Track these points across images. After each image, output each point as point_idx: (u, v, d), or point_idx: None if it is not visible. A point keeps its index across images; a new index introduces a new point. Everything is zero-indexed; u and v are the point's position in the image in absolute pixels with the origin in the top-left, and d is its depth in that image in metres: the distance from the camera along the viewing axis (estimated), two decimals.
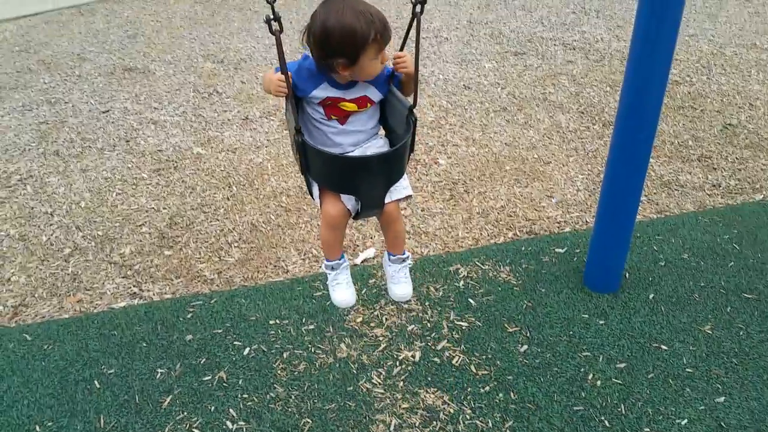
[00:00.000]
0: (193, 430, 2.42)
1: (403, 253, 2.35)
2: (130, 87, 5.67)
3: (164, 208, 3.92)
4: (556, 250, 3.44)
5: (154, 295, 3.22)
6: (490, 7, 8.02)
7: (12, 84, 5.74)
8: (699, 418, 2.43)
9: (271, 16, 1.76)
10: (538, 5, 8.03)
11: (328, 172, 1.98)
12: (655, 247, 3.45)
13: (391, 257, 2.36)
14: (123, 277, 3.35)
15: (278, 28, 1.78)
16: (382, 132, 2.19)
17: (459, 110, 5.27)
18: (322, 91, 1.96)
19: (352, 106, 1.99)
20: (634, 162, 2.80)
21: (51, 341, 2.85)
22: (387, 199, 2.06)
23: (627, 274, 3.21)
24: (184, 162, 4.44)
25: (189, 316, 2.99)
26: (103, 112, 5.19)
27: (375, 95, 2.03)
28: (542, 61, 6.29)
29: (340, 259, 2.28)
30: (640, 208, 3.90)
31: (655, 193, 4.11)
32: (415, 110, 1.97)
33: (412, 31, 1.88)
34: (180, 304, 3.08)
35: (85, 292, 3.26)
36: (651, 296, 3.07)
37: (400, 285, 2.36)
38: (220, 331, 2.90)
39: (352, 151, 2.07)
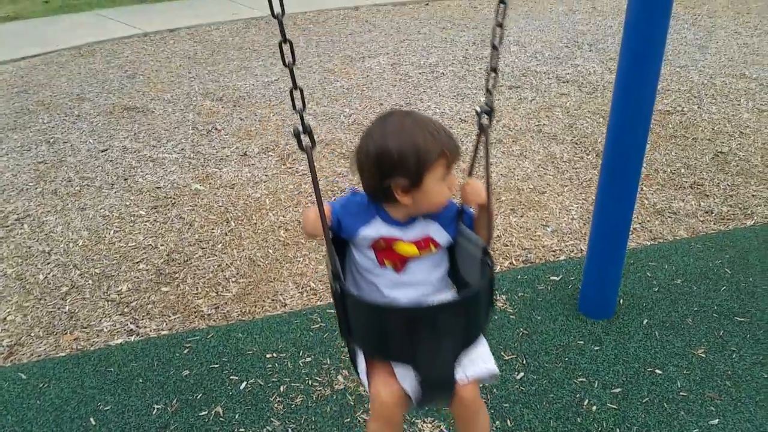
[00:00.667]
0: None
1: None
2: (129, 126, 5.77)
3: (162, 245, 3.96)
4: (552, 278, 3.46)
5: (150, 331, 3.22)
6: (486, 42, 8.19)
7: (11, 125, 5.84)
8: None
9: (300, 129, 1.46)
10: (533, 40, 8.21)
11: (374, 330, 1.52)
12: (648, 273, 3.47)
13: None
14: (120, 314, 3.37)
15: (309, 143, 1.47)
16: (453, 289, 1.77)
17: None
18: (374, 229, 1.61)
19: (411, 249, 1.61)
20: (623, 190, 2.85)
21: (46, 380, 2.85)
22: (461, 376, 1.56)
23: (621, 300, 3.23)
24: (182, 198, 4.50)
25: (185, 351, 3.00)
26: (102, 151, 5.27)
27: (441, 236, 1.65)
28: (536, 94, 6.41)
29: None
30: (634, 235, 3.95)
31: (648, 221, 4.15)
32: (491, 250, 1.60)
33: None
34: (177, 339, 3.09)
35: (81, 330, 3.27)
36: (645, 321, 3.08)
37: None
38: (216, 365, 2.90)
39: None
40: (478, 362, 1.60)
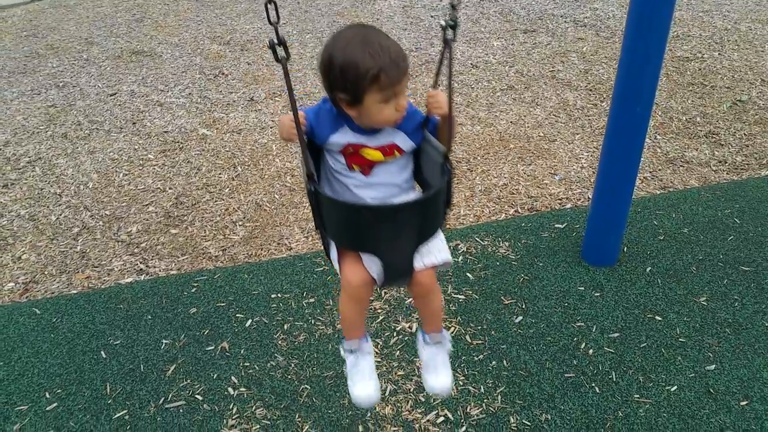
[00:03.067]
0: (196, 396, 2.49)
1: (441, 333, 1.95)
2: (137, 70, 5.74)
3: (170, 188, 3.99)
4: (556, 225, 3.45)
5: (160, 271, 3.29)
6: None
7: (20, 68, 5.84)
8: (689, 385, 2.46)
9: (275, 41, 1.49)
10: None
11: (345, 225, 1.64)
12: (655, 222, 3.45)
13: (426, 338, 1.96)
14: (130, 255, 3.43)
15: (284, 54, 1.49)
16: (418, 189, 1.88)
17: (465, 89, 5.26)
18: (342, 136, 1.68)
19: (376, 155, 1.69)
20: (631, 136, 2.80)
21: (59, 315, 2.95)
22: (418, 264, 1.71)
23: (625, 248, 3.23)
24: (190, 143, 4.51)
25: (193, 290, 3.07)
26: (111, 95, 5.27)
27: (405, 143, 1.72)
28: (552, 39, 6.25)
29: (361, 340, 1.90)
30: (644, 183, 3.91)
31: (660, 170, 4.10)
32: (450, 156, 1.69)
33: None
34: (185, 279, 3.15)
35: (93, 269, 3.35)
36: (648, 269, 3.09)
37: (438, 375, 1.92)
38: (223, 304, 2.97)
39: None
40: (434, 252, 1.75)
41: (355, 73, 1.50)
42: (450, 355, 1.98)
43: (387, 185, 1.75)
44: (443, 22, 1.59)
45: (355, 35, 1.55)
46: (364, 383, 1.88)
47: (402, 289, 2.95)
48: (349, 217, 1.61)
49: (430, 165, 1.77)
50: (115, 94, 5.29)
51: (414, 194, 1.82)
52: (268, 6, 1.52)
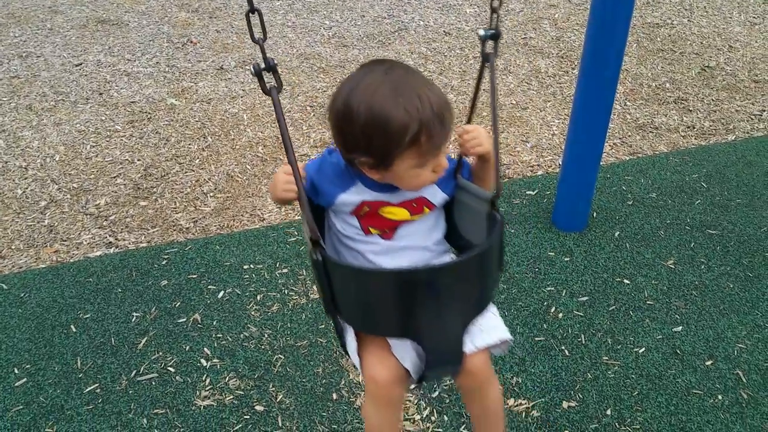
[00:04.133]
0: (169, 368, 2.49)
1: None
2: (103, 39, 5.58)
3: (138, 160, 3.92)
4: (528, 192, 3.48)
5: (129, 244, 3.25)
6: None
7: None
8: (656, 347, 2.52)
9: (261, 66, 1.21)
10: None
11: (367, 301, 1.28)
12: (624, 187, 3.50)
13: None
14: (99, 228, 3.38)
15: (276, 84, 1.23)
16: (452, 253, 1.55)
17: (439, 57, 5.22)
18: (355, 195, 1.36)
19: (401, 213, 1.37)
20: (599, 102, 2.81)
21: (27, 290, 2.90)
22: (469, 347, 1.35)
23: (595, 214, 3.27)
24: (158, 113, 4.41)
25: (164, 262, 3.04)
26: (76, 65, 5.12)
27: (436, 195, 1.41)
28: (524, 6, 6.21)
29: None
30: (613, 149, 3.94)
31: (629, 135, 4.14)
32: (497, 203, 1.38)
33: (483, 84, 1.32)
34: (155, 251, 3.12)
35: (61, 243, 3.29)
36: (617, 234, 3.14)
37: None
38: (194, 276, 2.95)
39: None
40: (487, 329, 1.40)
41: (385, 133, 1.17)
42: None
43: (415, 249, 1.41)
44: (482, 32, 1.32)
45: (383, 81, 1.20)
46: None
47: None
48: (374, 288, 1.24)
49: (469, 219, 1.44)
50: (81, 64, 5.14)
51: (448, 259, 1.49)
52: (250, 17, 1.22)
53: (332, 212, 1.42)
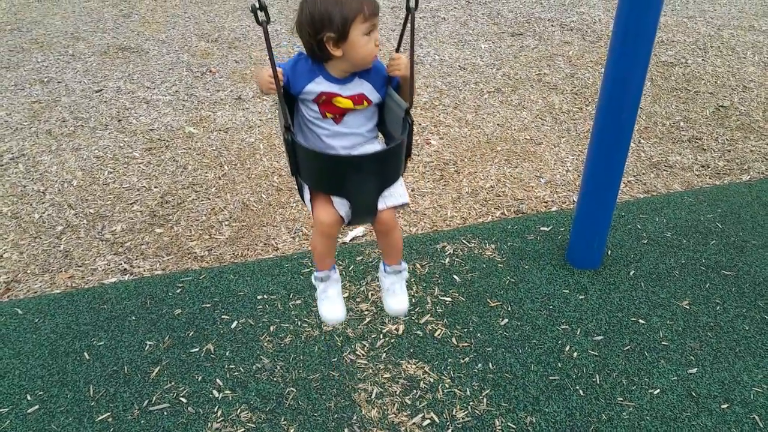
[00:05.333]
0: (181, 398, 2.48)
1: (400, 264, 2.22)
2: (123, 66, 5.69)
3: (155, 187, 3.96)
4: (542, 228, 3.48)
5: (144, 271, 3.27)
6: None
7: (4, 63, 5.76)
8: (671, 388, 2.49)
9: (257, 5, 1.64)
10: None
11: (318, 172, 1.87)
12: (638, 226, 3.49)
13: (387, 269, 2.23)
14: (114, 254, 3.40)
15: (265, 18, 1.67)
16: (382, 139, 2.10)
17: (453, 91, 5.28)
18: (317, 85, 1.87)
19: (347, 103, 1.90)
20: (616, 141, 2.83)
21: (42, 315, 2.91)
22: (381, 206, 1.95)
23: (609, 252, 3.26)
24: (176, 141, 4.48)
25: (178, 291, 3.05)
26: (96, 92, 5.22)
27: (373, 95, 1.94)
28: (539, 42, 6.29)
29: (330, 270, 2.18)
30: (627, 187, 3.95)
31: (643, 173, 4.15)
32: (411, 112, 1.90)
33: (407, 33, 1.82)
34: (169, 279, 3.13)
35: (76, 268, 3.31)
36: (632, 273, 3.12)
37: (396, 298, 2.23)
38: (208, 305, 2.95)
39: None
40: (395, 195, 1.99)
41: (341, 9, 1.73)
42: (406, 282, 2.28)
43: (354, 135, 1.96)
44: None
45: None
46: (330, 305, 2.19)
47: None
48: (323, 165, 1.84)
49: (393, 119, 1.98)
50: (101, 90, 5.24)
51: (377, 143, 2.04)
52: None
53: (300, 101, 1.92)
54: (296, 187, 2.09)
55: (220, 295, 3.02)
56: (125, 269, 3.28)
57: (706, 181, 4.05)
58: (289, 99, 1.91)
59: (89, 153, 4.34)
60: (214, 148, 4.39)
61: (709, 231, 3.46)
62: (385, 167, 1.88)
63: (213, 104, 5.00)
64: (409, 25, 1.80)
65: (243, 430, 2.35)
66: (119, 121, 4.76)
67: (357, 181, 1.83)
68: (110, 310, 2.93)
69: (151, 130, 4.63)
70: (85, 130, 4.63)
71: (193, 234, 3.55)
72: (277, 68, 1.77)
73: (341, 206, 1.93)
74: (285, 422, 2.37)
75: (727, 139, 4.56)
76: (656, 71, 5.66)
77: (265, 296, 3.01)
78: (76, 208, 3.78)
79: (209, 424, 2.37)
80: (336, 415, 2.40)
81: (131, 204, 3.81)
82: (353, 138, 1.97)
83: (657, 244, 3.34)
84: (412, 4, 1.76)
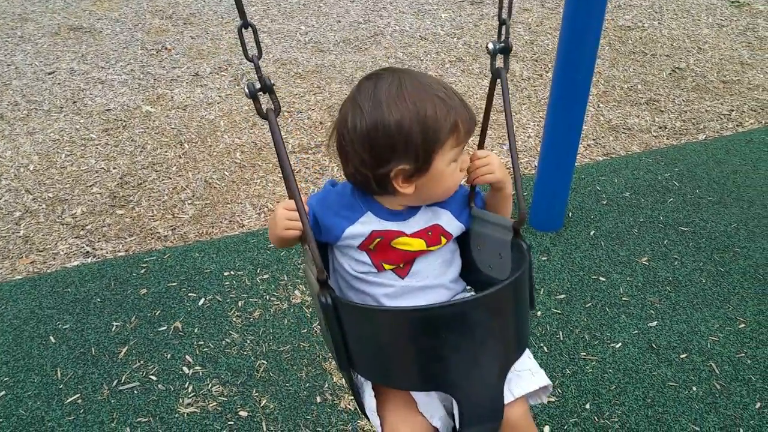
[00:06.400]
0: (150, 376, 2.47)
1: None
2: (75, 47, 5.52)
3: (114, 168, 3.89)
4: None
5: (107, 253, 3.22)
6: None
7: None
8: (632, 342, 2.58)
9: (257, 86, 1.10)
10: None
11: (386, 348, 1.12)
12: (598, 187, 3.57)
13: None
14: (75, 237, 3.34)
15: (273, 106, 1.12)
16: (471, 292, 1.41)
17: (415, 62, 5.26)
18: (365, 226, 1.25)
19: (417, 244, 1.26)
20: (573, 104, 2.87)
21: (4, 301, 2.86)
22: (506, 395, 1.19)
23: (570, 213, 3.32)
24: (133, 121, 4.38)
25: (143, 271, 3.02)
26: (49, 74, 5.06)
27: (452, 223, 1.31)
28: (497, 9, 6.29)
29: None
30: (587, 151, 4.02)
31: (603, 137, 4.22)
32: (522, 232, 1.29)
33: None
34: (133, 260, 3.10)
35: (37, 253, 3.25)
36: (592, 233, 3.20)
37: None
38: (174, 284, 2.93)
39: None
40: (524, 375, 1.25)
41: (425, 127, 1.13)
42: None
43: (433, 288, 1.30)
44: (491, 45, 1.24)
45: (400, 83, 1.15)
46: None
47: None
48: (396, 330, 1.08)
49: (488, 251, 1.33)
50: (54, 72, 5.08)
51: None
52: (243, 32, 1.11)
53: (338, 251, 1.30)
54: (349, 389, 1.36)
55: (185, 273, 2.99)
56: (88, 252, 3.23)
57: (664, 142, 4.14)
58: (318, 245, 1.22)
59: (45, 136, 4.22)
60: (172, 126, 4.32)
61: (666, 189, 3.55)
62: (507, 321, 1.13)
63: (170, 82, 4.90)
64: (497, 92, 1.22)
65: (215, 404, 2.36)
66: (74, 102, 4.63)
67: (462, 353, 1.06)
68: (74, 293, 2.89)
69: (107, 110, 4.52)
70: (39, 113, 4.50)
71: (155, 214, 3.50)
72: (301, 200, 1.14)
73: (434, 410, 1.21)
74: (257, 394, 2.39)
75: (683, 100, 4.66)
76: (614, 35, 5.72)
77: (231, 272, 3.00)
78: (34, 193, 3.69)
79: (180, 400, 2.37)
80: (308, 384, 2.42)
81: (90, 186, 3.73)
82: (432, 294, 1.30)
83: (616, 205, 3.42)
84: (499, 63, 1.21)
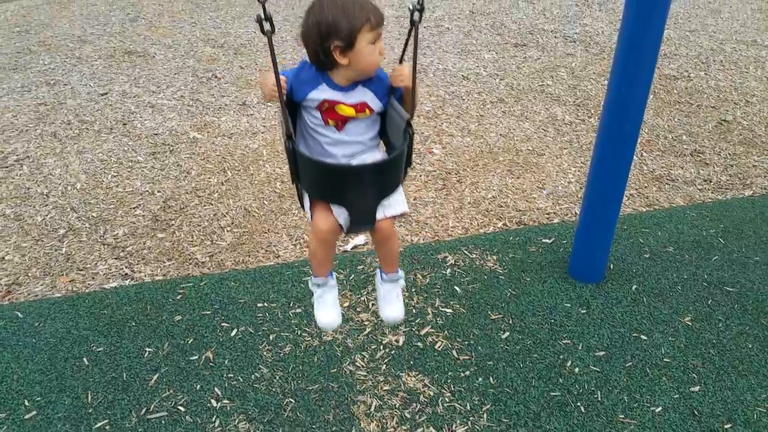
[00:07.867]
0: (179, 407, 2.47)
1: (396, 272, 2.24)
2: (129, 70, 5.70)
3: (158, 192, 3.96)
4: (544, 240, 3.47)
5: (145, 276, 3.26)
6: None
7: (11, 65, 5.78)
8: (673, 406, 2.47)
9: (263, 16, 1.67)
10: None
11: (318, 181, 1.88)
12: (641, 240, 3.49)
13: (384, 276, 2.25)
14: (115, 258, 3.40)
15: (270, 28, 1.70)
16: (383, 147, 2.11)
17: (456, 101, 5.29)
18: (320, 93, 1.89)
19: (350, 111, 1.91)
20: (619, 153, 2.83)
21: (42, 319, 2.91)
22: (380, 215, 1.96)
23: (611, 265, 3.25)
24: (180, 146, 4.48)
25: (178, 297, 3.04)
26: (102, 95, 5.23)
27: (375, 103, 1.95)
28: (542, 53, 6.30)
29: (327, 277, 2.19)
30: (629, 200, 3.94)
31: (645, 187, 4.14)
32: (412, 123, 1.90)
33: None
34: (170, 285, 3.13)
35: (77, 272, 3.31)
36: (634, 287, 3.11)
37: (392, 306, 2.25)
38: (208, 312, 2.95)
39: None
40: (393, 204, 2.00)
41: (349, 18, 1.76)
42: (403, 290, 2.31)
43: (356, 143, 1.98)
44: (411, 5, 1.80)
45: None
46: (327, 311, 2.21)
47: None
48: (323, 174, 1.86)
49: (394, 128, 1.99)
50: (107, 93, 5.25)
51: (378, 152, 2.06)
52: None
53: (303, 108, 1.94)
54: (296, 194, 2.13)
55: (220, 302, 3.01)
56: (126, 274, 3.28)
57: (709, 196, 4.05)
58: (292, 106, 1.94)
59: (93, 156, 4.34)
60: (217, 153, 4.40)
61: (711, 246, 3.45)
62: (385, 177, 1.90)
63: (217, 110, 5.01)
64: (412, 36, 1.84)
65: None
66: (124, 124, 4.76)
67: (356, 191, 1.85)
68: (110, 316, 2.93)
69: (155, 134, 4.63)
70: (89, 133, 4.64)
71: (194, 239, 3.55)
72: (281, 76, 1.80)
73: (340, 214, 1.94)
74: None
75: (729, 154, 4.56)
76: (659, 84, 5.66)
77: (265, 304, 3.00)
78: (79, 212, 3.78)
79: None
80: (334, 428, 2.39)
81: (134, 208, 3.81)
82: (354, 146, 1.98)
83: (659, 259, 3.33)
84: (416, 17, 1.80)
